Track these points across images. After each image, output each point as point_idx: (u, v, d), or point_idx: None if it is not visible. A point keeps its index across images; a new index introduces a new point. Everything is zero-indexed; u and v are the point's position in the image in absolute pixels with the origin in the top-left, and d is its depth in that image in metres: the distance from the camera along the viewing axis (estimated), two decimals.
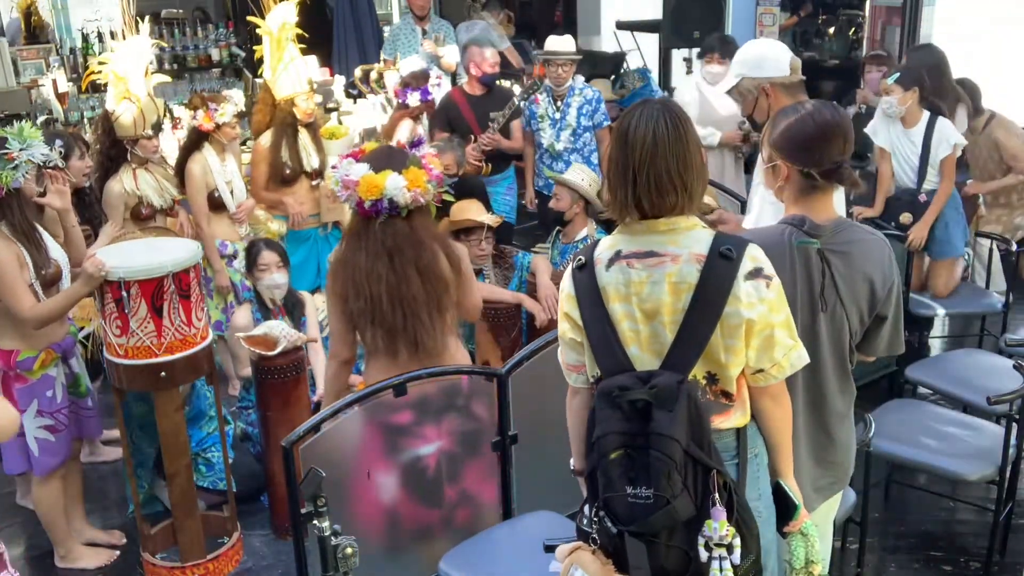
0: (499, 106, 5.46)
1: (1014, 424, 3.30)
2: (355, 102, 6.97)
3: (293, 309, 4.24)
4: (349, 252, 2.99)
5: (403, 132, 5.59)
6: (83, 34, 7.70)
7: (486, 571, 2.83)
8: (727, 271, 2.03)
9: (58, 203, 3.56)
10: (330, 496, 2.33)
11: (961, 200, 4.97)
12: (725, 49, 5.58)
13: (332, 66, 8.13)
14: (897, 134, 4.81)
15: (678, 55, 8.08)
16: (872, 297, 2.38)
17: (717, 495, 1.97)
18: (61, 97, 6.99)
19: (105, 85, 4.47)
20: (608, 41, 8.61)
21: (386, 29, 8.62)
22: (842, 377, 2.43)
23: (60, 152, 3.85)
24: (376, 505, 2.99)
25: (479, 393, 3.09)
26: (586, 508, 2.14)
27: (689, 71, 7.33)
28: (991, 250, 4.98)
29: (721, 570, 1.98)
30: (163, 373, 3.28)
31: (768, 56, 3.14)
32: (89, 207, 4.44)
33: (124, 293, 3.15)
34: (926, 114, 4.72)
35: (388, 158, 3.00)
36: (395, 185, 2.88)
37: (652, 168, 2.02)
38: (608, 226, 3.80)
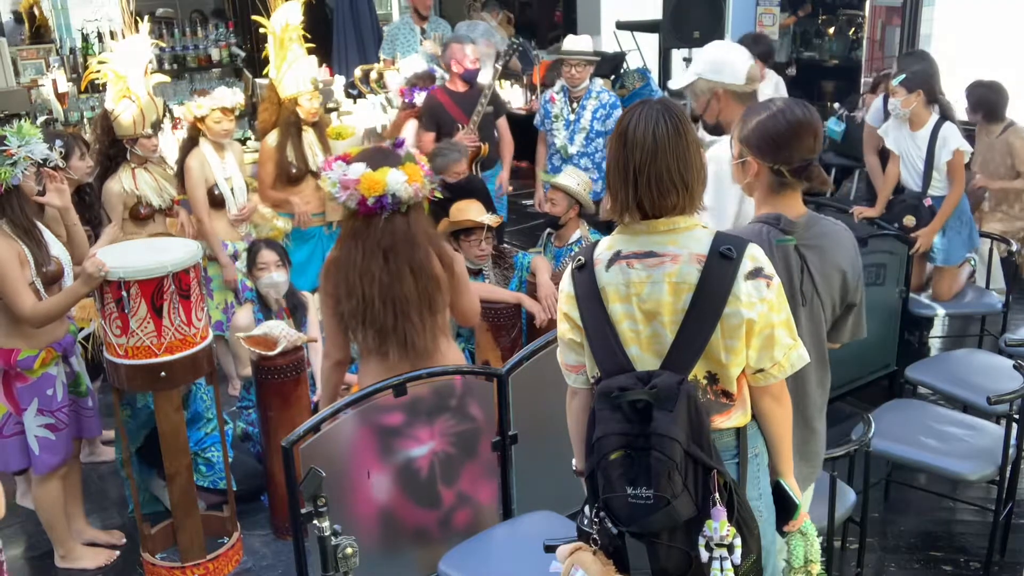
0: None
1: (1014, 424, 3.30)
2: (355, 102, 6.97)
3: (296, 310, 4.24)
4: (344, 253, 3.00)
5: (408, 132, 5.58)
6: (83, 34, 7.71)
7: (486, 571, 2.83)
8: (727, 271, 2.03)
9: (58, 201, 3.56)
10: (330, 496, 2.33)
11: (968, 205, 4.98)
12: (755, 48, 5.55)
13: (332, 66, 8.13)
14: (905, 137, 4.81)
15: (678, 55, 8.08)
16: (844, 287, 2.46)
17: (717, 495, 1.97)
18: (61, 97, 6.99)
19: (104, 85, 4.47)
20: (608, 41, 8.61)
21: (385, 29, 8.61)
22: (821, 368, 2.48)
23: (60, 152, 3.86)
24: (375, 505, 2.99)
25: (474, 393, 3.09)
26: (586, 509, 2.15)
27: None
28: (991, 250, 4.98)
29: (722, 570, 1.98)
30: (163, 373, 3.28)
31: (727, 62, 3.12)
32: (90, 207, 4.44)
33: (124, 293, 3.15)
34: (935, 118, 4.72)
35: (383, 156, 3.02)
36: (396, 180, 2.90)
37: (653, 168, 2.02)
38: (608, 227, 3.81)
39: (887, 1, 7.44)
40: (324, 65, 7.32)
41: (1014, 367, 3.43)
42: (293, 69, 4.88)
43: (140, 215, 4.48)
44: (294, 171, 4.96)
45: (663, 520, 1.95)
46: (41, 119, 6.44)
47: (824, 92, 8.75)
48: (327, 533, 2.28)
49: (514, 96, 8.49)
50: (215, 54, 8.08)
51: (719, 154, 2.86)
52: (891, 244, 4.42)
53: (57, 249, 3.48)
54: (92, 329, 3.99)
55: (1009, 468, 3.35)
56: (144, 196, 4.46)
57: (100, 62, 4.43)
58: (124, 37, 4.49)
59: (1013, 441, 3.30)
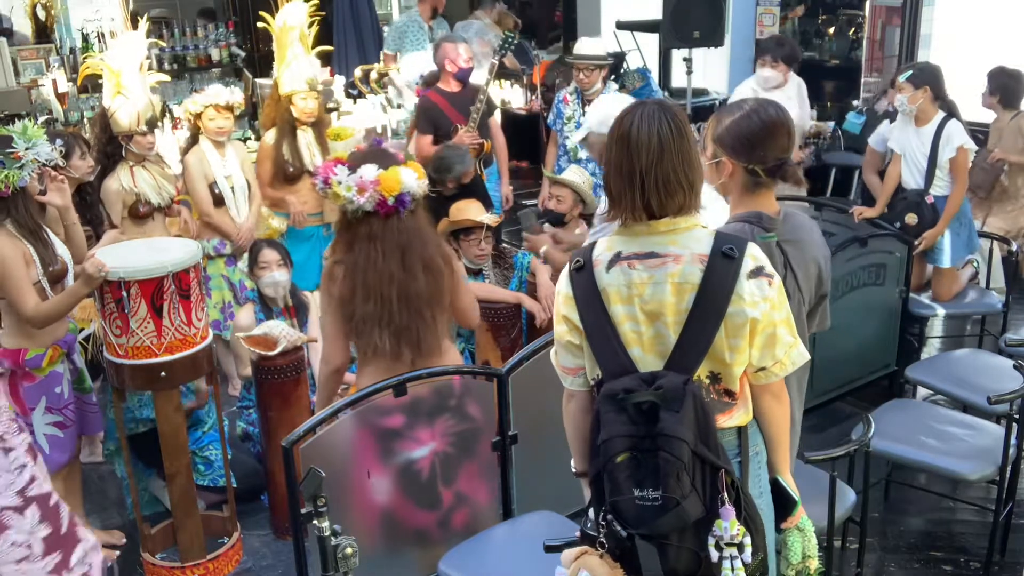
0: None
1: (1014, 424, 3.30)
2: (355, 102, 6.97)
3: (299, 310, 4.24)
4: (361, 256, 2.94)
5: None
6: (83, 34, 7.70)
7: (485, 571, 2.83)
8: (730, 270, 2.03)
9: (59, 200, 3.56)
10: (330, 496, 2.33)
11: (969, 207, 4.99)
12: (779, 51, 5.53)
13: (332, 66, 8.13)
14: (909, 134, 4.81)
15: (678, 55, 8.08)
16: (819, 278, 2.51)
17: (726, 494, 1.97)
18: (61, 97, 6.99)
19: (102, 83, 4.47)
20: (608, 41, 8.61)
21: (386, 29, 8.61)
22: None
23: (61, 151, 3.86)
24: (375, 505, 2.99)
25: (473, 393, 3.08)
26: (590, 512, 2.13)
27: (689, 71, 7.31)
28: (991, 250, 4.98)
29: (733, 569, 1.97)
30: (163, 373, 3.28)
31: (613, 117, 3.17)
32: (91, 207, 4.44)
33: (124, 293, 3.15)
34: (940, 114, 4.72)
35: (386, 156, 3.02)
36: (411, 178, 2.92)
37: (660, 170, 2.02)
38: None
39: (887, 1, 7.43)
40: (324, 65, 7.33)
41: (1014, 367, 3.42)
42: (291, 68, 4.88)
43: (139, 213, 4.47)
44: (291, 170, 4.95)
45: (673, 521, 1.94)
46: (41, 119, 6.44)
47: (824, 92, 8.74)
48: (327, 533, 2.28)
49: (514, 96, 8.49)
50: (215, 54, 8.07)
51: None
52: (891, 244, 4.42)
53: (60, 248, 3.49)
54: (92, 330, 3.99)
55: (1009, 468, 3.35)
56: (143, 194, 4.46)
57: (88, 57, 4.40)
58: None
59: (1013, 441, 3.30)
